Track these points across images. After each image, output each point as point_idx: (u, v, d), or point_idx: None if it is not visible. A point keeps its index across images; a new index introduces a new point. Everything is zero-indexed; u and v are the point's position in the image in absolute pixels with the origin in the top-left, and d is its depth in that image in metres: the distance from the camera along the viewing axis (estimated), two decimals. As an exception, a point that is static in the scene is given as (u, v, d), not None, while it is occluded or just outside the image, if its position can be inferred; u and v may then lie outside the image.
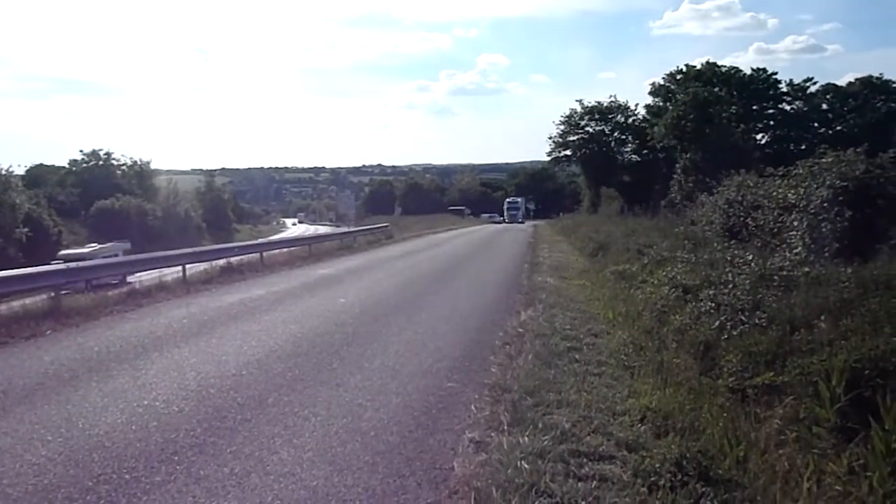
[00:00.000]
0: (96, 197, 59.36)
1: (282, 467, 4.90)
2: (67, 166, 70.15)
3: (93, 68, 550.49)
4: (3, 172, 42.02)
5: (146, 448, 5.27)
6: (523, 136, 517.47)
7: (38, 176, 66.21)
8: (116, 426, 5.77)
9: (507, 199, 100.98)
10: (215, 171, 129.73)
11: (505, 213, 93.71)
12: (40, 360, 8.40)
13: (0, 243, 38.30)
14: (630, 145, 63.21)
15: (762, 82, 60.38)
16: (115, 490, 4.54)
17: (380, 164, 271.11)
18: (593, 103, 63.91)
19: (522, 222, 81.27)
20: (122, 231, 53.54)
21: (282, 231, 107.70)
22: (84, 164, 68.63)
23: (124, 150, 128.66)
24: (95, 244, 37.89)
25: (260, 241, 33.20)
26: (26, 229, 41.11)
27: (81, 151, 69.69)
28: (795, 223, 12.59)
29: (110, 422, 5.88)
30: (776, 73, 61.10)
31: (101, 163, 68.95)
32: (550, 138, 65.56)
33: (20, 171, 52.34)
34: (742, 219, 16.44)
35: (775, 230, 13.75)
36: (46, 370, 7.86)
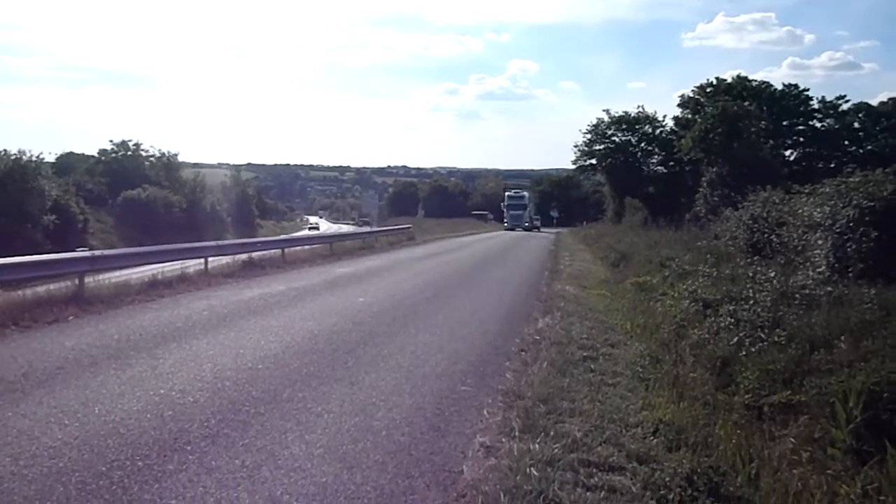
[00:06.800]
0: (124, 187, 60.08)
1: (292, 462, 4.93)
2: (97, 155, 70.97)
3: (127, 60, 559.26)
4: (34, 159, 42.49)
5: (160, 436, 5.34)
6: (550, 142, 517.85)
7: (68, 164, 67.05)
8: (132, 413, 5.85)
9: (507, 193, 75.73)
10: (242, 165, 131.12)
11: (505, 213, 69.77)
12: (62, 345, 8.51)
13: (27, 229, 38.79)
14: (656, 157, 62.52)
15: (793, 98, 59.57)
16: (127, 476, 4.60)
17: (405, 166, 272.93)
18: (621, 113, 63.33)
19: (532, 229, 64.74)
20: (147, 221, 54.20)
21: (305, 228, 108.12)
22: (113, 154, 69.40)
23: (153, 142, 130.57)
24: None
25: (282, 237, 33.40)
26: (54, 216, 41.61)
27: (111, 141, 70.59)
28: (820, 242, 12.44)
29: (126, 409, 5.96)
30: (808, 90, 60.12)
31: (129, 153, 69.69)
32: (576, 146, 64.78)
33: (51, 158, 52.92)
34: (766, 235, 16.28)
35: (799, 248, 13.61)
36: (67, 355, 7.96)
